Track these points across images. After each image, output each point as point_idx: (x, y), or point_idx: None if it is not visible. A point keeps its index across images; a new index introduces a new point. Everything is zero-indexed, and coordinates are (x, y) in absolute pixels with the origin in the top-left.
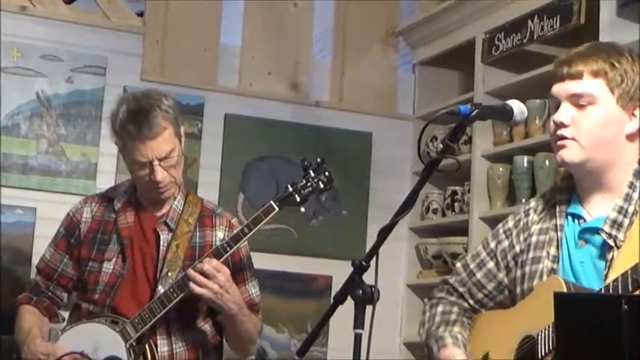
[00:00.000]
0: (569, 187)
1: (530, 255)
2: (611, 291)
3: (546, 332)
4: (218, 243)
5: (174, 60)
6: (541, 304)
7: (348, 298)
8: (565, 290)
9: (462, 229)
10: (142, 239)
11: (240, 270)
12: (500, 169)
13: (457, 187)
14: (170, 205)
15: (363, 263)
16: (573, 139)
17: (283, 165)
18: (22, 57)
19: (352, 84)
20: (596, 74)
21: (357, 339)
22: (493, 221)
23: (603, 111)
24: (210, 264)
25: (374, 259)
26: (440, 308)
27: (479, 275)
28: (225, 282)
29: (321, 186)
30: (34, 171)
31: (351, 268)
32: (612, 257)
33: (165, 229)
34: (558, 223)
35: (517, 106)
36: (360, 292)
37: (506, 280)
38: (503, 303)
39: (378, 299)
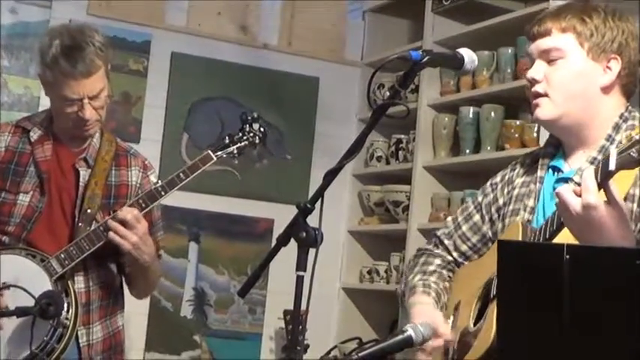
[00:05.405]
0: (557, 142)
1: (511, 207)
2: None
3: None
4: (133, 182)
5: None
6: None
7: (291, 240)
8: (521, 233)
9: (406, 178)
10: (59, 174)
11: (152, 211)
12: (446, 119)
13: (402, 136)
14: (89, 142)
15: (308, 206)
16: (546, 94)
17: (229, 106)
18: None
19: (301, 28)
20: (564, 30)
21: (299, 281)
22: (437, 171)
23: (573, 64)
24: (132, 214)
25: (318, 202)
26: (422, 259)
27: (464, 228)
28: (144, 234)
29: (257, 140)
30: None
31: (294, 212)
32: None
33: (84, 166)
34: (539, 175)
35: (468, 55)
36: (304, 234)
37: (489, 233)
38: None
39: (321, 242)
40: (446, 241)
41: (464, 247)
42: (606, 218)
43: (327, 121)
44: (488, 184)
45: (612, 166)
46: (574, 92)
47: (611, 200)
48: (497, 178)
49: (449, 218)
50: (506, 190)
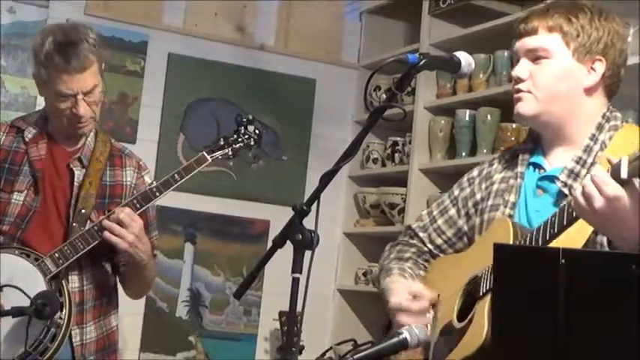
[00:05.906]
0: (535, 139)
1: (490, 202)
2: (548, 225)
3: (488, 271)
4: (128, 183)
5: None
6: (488, 245)
7: (287, 242)
8: (511, 230)
9: (402, 180)
10: (53, 173)
11: (147, 211)
12: (442, 121)
13: (398, 138)
14: (83, 142)
15: (304, 208)
16: (529, 91)
17: (225, 107)
18: None
19: (298, 29)
20: (551, 29)
21: (295, 283)
22: (432, 173)
23: (558, 64)
24: (125, 212)
25: (314, 204)
26: (398, 247)
27: (440, 221)
28: (140, 232)
29: (251, 142)
30: None
31: (289, 214)
32: None
33: (78, 165)
34: (519, 170)
35: (465, 58)
36: (300, 236)
37: (465, 228)
38: (462, 250)
39: (317, 244)
40: (421, 234)
41: (439, 241)
42: (631, 206)
43: (324, 122)
44: (465, 178)
45: (624, 174)
46: (557, 92)
47: (630, 189)
48: (475, 173)
49: (424, 212)
50: (484, 185)
